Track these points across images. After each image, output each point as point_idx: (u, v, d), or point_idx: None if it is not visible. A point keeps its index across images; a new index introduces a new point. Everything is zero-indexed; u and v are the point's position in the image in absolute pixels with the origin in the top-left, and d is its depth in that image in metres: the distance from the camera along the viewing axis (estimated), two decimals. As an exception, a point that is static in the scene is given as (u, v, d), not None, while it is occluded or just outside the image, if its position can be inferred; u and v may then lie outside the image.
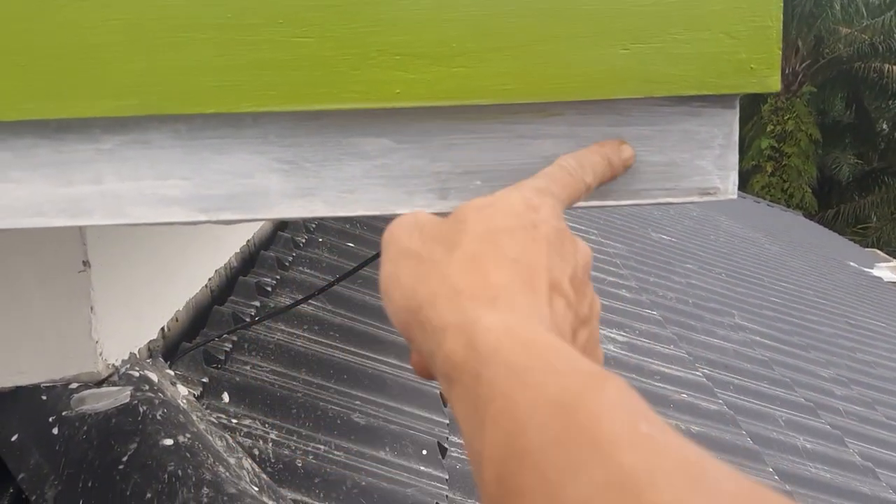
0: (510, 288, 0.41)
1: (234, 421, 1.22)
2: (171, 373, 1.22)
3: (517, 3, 0.53)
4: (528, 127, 0.57)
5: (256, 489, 1.03)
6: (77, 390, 1.05)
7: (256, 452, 1.16)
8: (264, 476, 1.10)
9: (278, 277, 1.75)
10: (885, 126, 20.20)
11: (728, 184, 0.59)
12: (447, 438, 1.45)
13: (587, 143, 0.58)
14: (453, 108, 0.55)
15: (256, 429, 1.22)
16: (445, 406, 1.55)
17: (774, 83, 0.54)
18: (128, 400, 1.04)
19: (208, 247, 1.56)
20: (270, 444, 1.20)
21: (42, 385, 1.05)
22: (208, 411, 1.20)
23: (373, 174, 0.58)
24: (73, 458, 0.97)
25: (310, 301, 1.58)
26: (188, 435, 1.01)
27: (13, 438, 1.01)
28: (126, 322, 1.14)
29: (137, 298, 1.19)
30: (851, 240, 13.92)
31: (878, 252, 11.87)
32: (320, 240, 2.09)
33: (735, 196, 0.59)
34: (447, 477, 1.33)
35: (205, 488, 0.93)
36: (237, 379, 1.31)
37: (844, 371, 3.73)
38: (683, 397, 2.33)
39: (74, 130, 0.55)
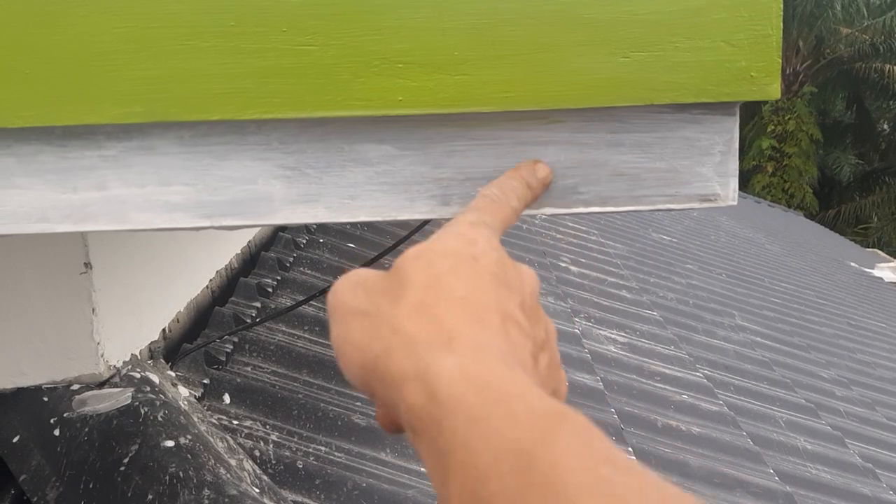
0: (463, 327, 0.41)
1: (235, 422, 1.22)
2: (173, 374, 1.23)
3: (518, 12, 0.53)
4: (529, 134, 0.57)
5: (257, 490, 1.03)
6: (78, 392, 1.05)
7: (257, 454, 1.17)
8: (265, 477, 1.10)
9: (279, 278, 1.75)
10: (885, 126, 20.19)
11: (728, 190, 0.59)
12: (448, 440, 1.45)
13: (589, 149, 0.58)
14: (455, 115, 0.56)
15: (257, 430, 1.22)
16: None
17: (774, 91, 0.54)
18: (129, 401, 1.04)
19: (209, 248, 1.56)
20: (271, 446, 1.20)
21: (43, 386, 1.05)
22: (209, 412, 1.20)
23: (375, 180, 0.58)
24: (74, 460, 0.97)
25: (310, 302, 1.58)
26: (189, 436, 1.02)
27: (15, 440, 1.01)
28: (127, 323, 1.14)
29: (138, 300, 1.19)
30: (852, 240, 13.92)
31: (879, 252, 11.87)
32: (321, 241, 2.09)
33: (735, 202, 0.59)
34: (448, 478, 1.33)
35: (206, 490, 0.93)
36: (238, 380, 1.31)
37: (845, 372, 3.73)
38: (684, 398, 2.33)
39: (79, 137, 0.55)
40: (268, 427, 1.25)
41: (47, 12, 0.52)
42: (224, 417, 1.22)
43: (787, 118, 17.68)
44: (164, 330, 1.29)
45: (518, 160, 0.58)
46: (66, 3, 0.52)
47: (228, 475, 0.98)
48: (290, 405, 1.31)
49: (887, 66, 16.99)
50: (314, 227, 2.15)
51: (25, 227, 0.56)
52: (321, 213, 0.58)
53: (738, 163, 0.59)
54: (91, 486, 0.94)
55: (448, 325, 0.41)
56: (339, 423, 1.33)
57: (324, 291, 1.32)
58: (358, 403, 1.41)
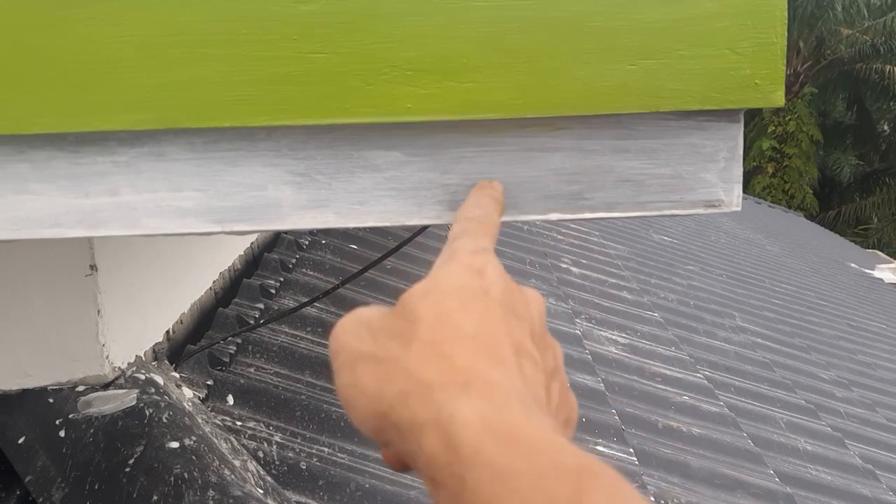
0: (478, 367, 0.39)
1: (239, 423, 1.22)
2: (177, 375, 1.23)
3: (526, 20, 0.54)
4: (536, 140, 0.58)
5: (261, 491, 1.04)
6: (84, 393, 1.06)
7: (261, 455, 1.17)
8: (269, 478, 1.11)
9: (282, 280, 1.76)
10: (886, 127, 20.19)
11: (732, 196, 0.60)
12: (450, 441, 1.45)
13: (595, 156, 0.59)
14: (463, 122, 0.56)
15: (261, 431, 1.23)
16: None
17: (779, 98, 0.55)
18: (134, 403, 1.05)
19: (213, 249, 1.57)
20: (275, 447, 1.21)
21: (49, 388, 1.06)
22: (213, 413, 1.21)
23: (384, 186, 0.58)
24: (79, 461, 0.97)
25: (314, 303, 1.58)
26: (194, 437, 1.02)
27: (20, 441, 1.02)
28: (132, 325, 1.15)
29: (143, 301, 1.20)
30: (852, 241, 13.92)
31: (879, 253, 11.87)
32: (323, 242, 2.09)
33: (739, 209, 0.60)
34: (450, 479, 1.33)
35: (210, 490, 0.94)
36: (241, 381, 1.32)
37: (845, 373, 3.73)
38: (685, 399, 2.33)
39: (91, 143, 0.56)
40: (271, 428, 1.25)
41: (60, 21, 0.52)
42: (228, 418, 1.22)
43: (787, 119, 17.68)
44: (167, 331, 1.29)
45: (525, 166, 0.59)
46: (79, 13, 0.52)
47: (233, 476, 0.99)
48: (293, 406, 1.32)
49: (888, 67, 16.99)
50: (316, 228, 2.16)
51: (38, 231, 0.56)
52: (330, 219, 0.58)
53: (742, 169, 0.60)
54: (96, 487, 0.94)
55: (462, 365, 0.39)
56: (342, 424, 1.33)
57: (328, 293, 1.33)
58: (361, 404, 1.41)
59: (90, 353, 1.05)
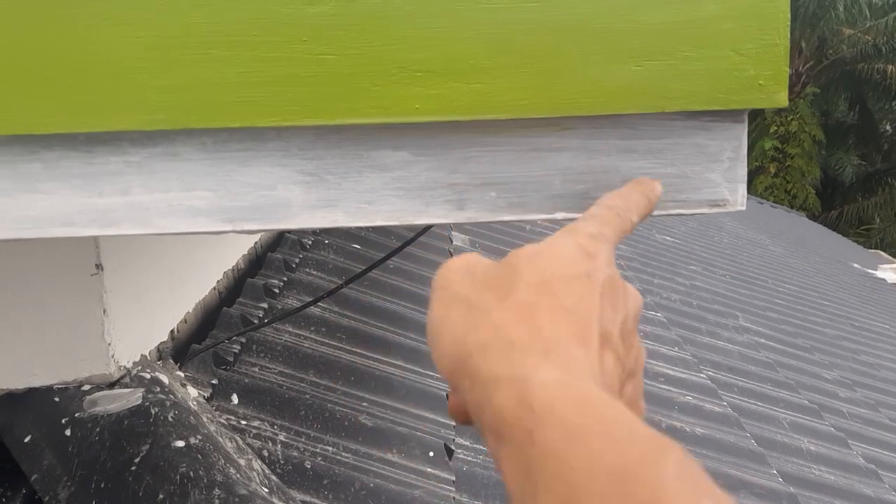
0: (563, 341, 0.40)
1: (244, 422, 1.23)
2: (182, 374, 1.24)
3: (533, 22, 0.54)
4: (543, 140, 0.58)
5: (266, 490, 1.04)
6: (89, 392, 1.06)
7: (266, 454, 1.18)
8: (274, 477, 1.11)
9: (285, 279, 1.76)
10: (888, 127, 20.18)
11: (737, 196, 0.60)
12: (454, 440, 1.46)
13: (601, 156, 0.59)
14: (471, 122, 0.57)
15: (265, 430, 1.23)
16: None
17: (782, 99, 0.55)
18: (140, 402, 1.05)
19: (217, 249, 1.57)
20: (279, 446, 1.21)
21: (55, 387, 1.06)
22: (218, 413, 1.21)
23: (392, 186, 0.59)
24: (85, 460, 0.98)
25: (317, 303, 1.59)
26: (199, 436, 1.02)
27: (26, 440, 1.02)
28: (137, 324, 1.15)
29: (148, 300, 1.20)
30: (855, 241, 13.92)
31: (882, 253, 11.86)
32: (326, 241, 2.10)
33: (744, 208, 0.60)
34: (454, 479, 1.34)
35: (216, 489, 0.94)
36: (246, 380, 1.32)
37: (848, 373, 3.74)
38: (688, 399, 2.34)
39: (104, 143, 0.56)
40: (276, 427, 1.26)
41: (72, 23, 0.53)
42: (232, 418, 1.23)
43: (789, 119, 17.67)
44: (172, 330, 1.30)
45: (532, 166, 0.59)
46: (91, 14, 0.53)
47: (238, 475, 0.99)
48: (297, 405, 1.32)
49: (890, 67, 16.98)
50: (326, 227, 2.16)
51: (51, 230, 0.57)
52: (339, 218, 0.59)
53: (746, 169, 0.60)
54: (102, 485, 0.95)
55: (548, 334, 0.40)
56: (346, 423, 1.34)
57: (332, 293, 1.33)
58: (364, 404, 1.42)
59: (96, 353, 1.06)
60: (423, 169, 0.59)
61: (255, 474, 1.07)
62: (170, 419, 1.03)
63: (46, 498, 0.95)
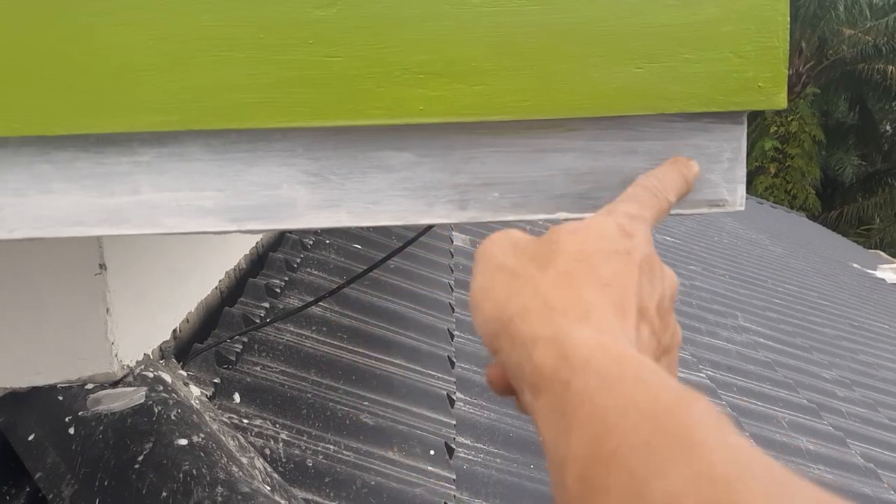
0: (601, 308, 0.42)
1: (246, 421, 1.23)
2: (184, 373, 1.24)
3: (535, 24, 0.55)
4: (545, 141, 0.59)
5: (269, 488, 1.05)
6: (93, 391, 1.07)
7: (268, 452, 1.18)
8: (276, 475, 1.12)
9: (287, 279, 1.77)
10: (888, 128, 20.18)
11: (736, 196, 0.61)
12: (454, 439, 1.47)
13: (603, 157, 0.60)
14: (474, 123, 0.57)
15: (267, 429, 1.24)
16: (452, 407, 1.57)
17: (781, 101, 0.56)
18: (143, 400, 1.06)
19: (218, 249, 1.58)
20: (281, 444, 1.22)
21: (58, 385, 1.07)
22: (220, 411, 1.22)
23: (396, 186, 0.60)
24: (89, 458, 0.98)
25: (318, 303, 1.59)
26: (202, 435, 1.03)
27: (30, 438, 1.03)
28: (140, 323, 1.16)
29: (151, 300, 1.21)
30: (855, 241, 13.92)
31: (881, 254, 11.86)
32: (327, 241, 2.10)
33: (742, 208, 0.61)
34: (454, 477, 1.35)
35: (219, 487, 0.94)
36: (248, 379, 1.33)
37: (847, 373, 3.74)
38: (687, 399, 2.34)
39: (114, 144, 0.57)
40: (277, 426, 1.26)
41: (83, 25, 0.54)
42: (235, 416, 1.23)
43: (789, 119, 17.67)
44: (174, 330, 1.30)
45: (534, 166, 0.60)
46: (102, 17, 0.54)
47: (241, 473, 1.00)
48: (299, 404, 1.33)
49: (890, 68, 16.99)
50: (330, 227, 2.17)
51: (62, 230, 0.58)
52: (344, 218, 0.60)
53: (745, 169, 0.61)
54: (106, 483, 0.95)
55: (587, 300, 0.42)
56: (348, 422, 1.34)
57: (333, 292, 1.34)
58: (365, 403, 1.43)
59: (99, 352, 1.06)
60: (426, 169, 0.59)
61: (257, 472, 1.08)
62: (173, 418, 1.04)
63: (50, 496, 0.96)
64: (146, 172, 0.58)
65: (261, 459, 1.14)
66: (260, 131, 0.57)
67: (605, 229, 0.47)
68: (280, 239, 1.98)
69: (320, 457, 1.23)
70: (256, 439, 1.20)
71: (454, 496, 1.30)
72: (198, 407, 1.14)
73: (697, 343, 3.03)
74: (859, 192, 18.91)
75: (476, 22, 0.55)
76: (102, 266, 1.03)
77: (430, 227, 0.84)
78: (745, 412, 2.51)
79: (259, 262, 1.81)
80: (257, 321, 1.50)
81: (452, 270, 2.36)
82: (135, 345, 1.14)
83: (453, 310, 2.07)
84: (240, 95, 0.55)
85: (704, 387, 2.53)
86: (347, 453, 1.27)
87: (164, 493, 0.93)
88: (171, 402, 1.07)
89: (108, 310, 1.05)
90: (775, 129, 17.86)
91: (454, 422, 1.52)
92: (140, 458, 0.97)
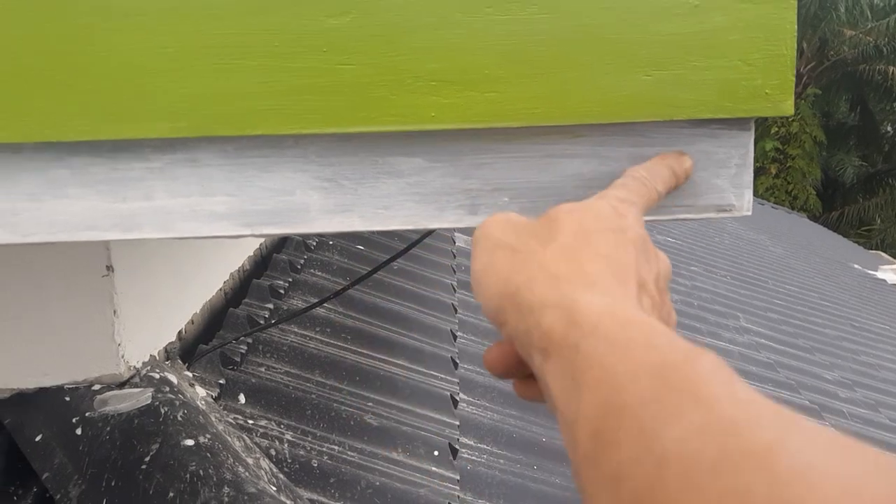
0: (604, 277, 0.43)
1: (251, 422, 1.24)
2: (190, 374, 1.25)
3: (545, 33, 0.56)
4: (555, 147, 0.60)
5: (275, 489, 1.06)
6: (100, 392, 1.07)
7: (273, 453, 1.19)
8: (281, 476, 1.13)
9: (290, 280, 1.77)
10: (889, 128, 20.17)
11: (743, 201, 0.62)
12: (458, 440, 1.47)
13: (611, 162, 0.61)
14: (484, 129, 0.58)
15: (272, 429, 1.24)
16: (456, 408, 1.58)
17: (788, 107, 0.57)
18: (149, 401, 1.06)
19: (222, 250, 1.58)
20: (286, 445, 1.22)
21: (66, 386, 1.07)
22: (225, 412, 1.23)
23: (407, 191, 0.60)
24: (96, 458, 0.99)
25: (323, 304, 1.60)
26: (208, 435, 1.04)
27: (37, 439, 1.03)
28: (146, 325, 1.16)
29: (156, 302, 1.21)
30: (855, 242, 13.91)
31: (882, 254, 11.86)
32: (330, 242, 2.11)
33: (749, 213, 0.61)
34: (458, 477, 1.35)
35: (226, 487, 0.95)
36: (253, 380, 1.33)
37: (849, 374, 3.74)
38: (689, 400, 2.34)
39: (128, 150, 0.58)
40: (282, 427, 1.27)
41: (99, 33, 0.54)
42: (240, 417, 1.24)
43: (790, 120, 17.65)
44: (179, 331, 1.31)
45: (543, 172, 0.61)
46: (117, 25, 0.54)
47: (247, 473, 1.01)
48: (303, 405, 1.33)
49: (891, 69, 16.98)
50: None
51: (76, 234, 0.58)
52: (356, 223, 0.60)
53: (752, 175, 0.61)
54: (113, 483, 0.96)
55: (590, 270, 0.43)
56: (352, 422, 1.35)
57: (338, 293, 1.35)
58: (369, 404, 1.43)
59: (106, 353, 1.07)
60: (437, 175, 0.60)
61: (263, 473, 1.08)
62: (179, 418, 1.05)
63: (58, 496, 0.96)
64: (160, 178, 0.58)
65: (266, 460, 1.14)
66: (272, 138, 0.58)
67: (599, 210, 0.49)
68: (283, 240, 1.99)
69: (325, 457, 1.23)
70: (262, 440, 1.20)
71: (458, 497, 1.30)
72: (203, 408, 1.15)
73: (699, 344, 3.03)
74: (860, 193, 18.90)
75: (488, 30, 0.56)
76: (109, 268, 1.03)
77: (429, 232, 0.85)
78: (746, 413, 2.52)
79: (263, 263, 1.81)
80: (262, 322, 1.50)
81: (455, 271, 2.37)
82: (141, 346, 1.14)
83: (456, 311, 2.08)
84: (252, 102, 0.55)
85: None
86: (352, 454, 1.28)
87: (171, 494, 0.94)
88: (177, 402, 1.08)
89: (115, 311, 1.05)
90: (776, 129, 17.86)
91: (458, 423, 1.52)
92: (147, 459, 0.98)
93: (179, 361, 1.25)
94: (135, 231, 0.59)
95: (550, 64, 0.56)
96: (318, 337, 1.58)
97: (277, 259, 1.83)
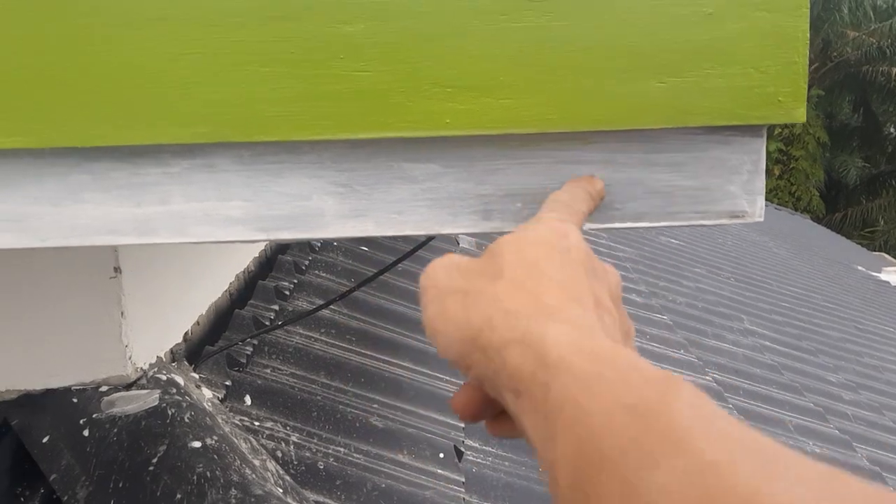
0: (563, 303, 0.42)
1: (257, 423, 1.24)
2: (196, 376, 1.25)
3: (561, 40, 0.56)
4: (568, 153, 0.60)
5: (281, 490, 1.06)
6: (107, 393, 1.07)
7: (279, 454, 1.19)
8: (287, 478, 1.13)
9: (295, 281, 1.78)
10: (892, 129, 20.13)
11: (755, 207, 0.62)
12: (463, 442, 1.47)
13: (624, 168, 0.61)
14: (498, 135, 0.58)
15: (278, 431, 1.25)
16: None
17: (800, 115, 0.57)
18: (156, 403, 1.06)
19: (227, 252, 1.59)
20: (292, 447, 1.22)
21: (73, 388, 1.08)
22: (232, 414, 1.23)
23: (420, 197, 0.61)
24: (103, 460, 0.99)
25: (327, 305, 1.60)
26: (215, 437, 1.04)
27: (45, 440, 1.04)
28: (153, 326, 1.16)
29: (163, 303, 1.22)
30: (859, 243, 13.89)
31: (886, 256, 11.85)
32: (335, 244, 2.11)
33: (762, 219, 0.61)
34: (464, 480, 1.35)
35: (233, 489, 0.95)
36: (259, 382, 1.33)
37: (853, 376, 3.74)
38: (693, 402, 2.34)
39: (146, 155, 0.58)
40: (288, 428, 1.27)
41: (121, 41, 0.55)
42: (246, 419, 1.24)
43: (793, 121, 17.60)
44: (185, 332, 1.31)
45: (557, 178, 0.61)
46: (140, 33, 0.55)
47: (254, 475, 1.01)
48: (309, 407, 1.34)
49: (894, 70, 16.97)
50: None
51: (94, 238, 0.59)
52: (370, 228, 0.61)
53: (764, 181, 0.62)
54: (120, 485, 0.96)
55: (546, 301, 0.42)
56: (358, 424, 1.35)
57: (344, 295, 1.35)
58: (375, 406, 1.43)
59: (113, 354, 1.07)
60: (451, 180, 0.60)
61: (269, 475, 1.08)
62: (186, 420, 1.05)
63: (65, 497, 0.97)
64: (176, 183, 0.59)
65: (273, 462, 1.14)
66: (289, 143, 0.58)
67: (540, 234, 0.48)
68: (277, 242, 1.99)
69: (331, 459, 1.23)
70: (268, 441, 1.21)
71: (463, 499, 1.30)
72: (210, 409, 1.15)
73: (703, 346, 3.04)
74: (863, 195, 18.88)
75: (503, 37, 0.56)
76: (117, 269, 1.04)
77: (430, 239, 0.85)
78: (751, 415, 2.52)
79: (268, 264, 1.82)
80: (267, 323, 1.50)
81: (459, 273, 2.36)
82: (148, 347, 1.15)
83: (461, 312, 2.07)
84: (269, 109, 0.56)
85: (711, 390, 2.53)
86: (358, 456, 1.28)
87: (179, 496, 0.94)
88: (184, 404, 1.08)
89: (122, 313, 1.05)
90: (779, 131, 17.83)
91: (463, 425, 1.52)
92: (154, 461, 0.98)
93: (186, 363, 1.26)
94: (151, 235, 0.59)
95: (564, 71, 0.56)
96: (322, 338, 1.58)
97: (282, 260, 1.83)
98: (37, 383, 1.08)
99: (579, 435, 0.34)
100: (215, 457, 1.00)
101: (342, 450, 1.28)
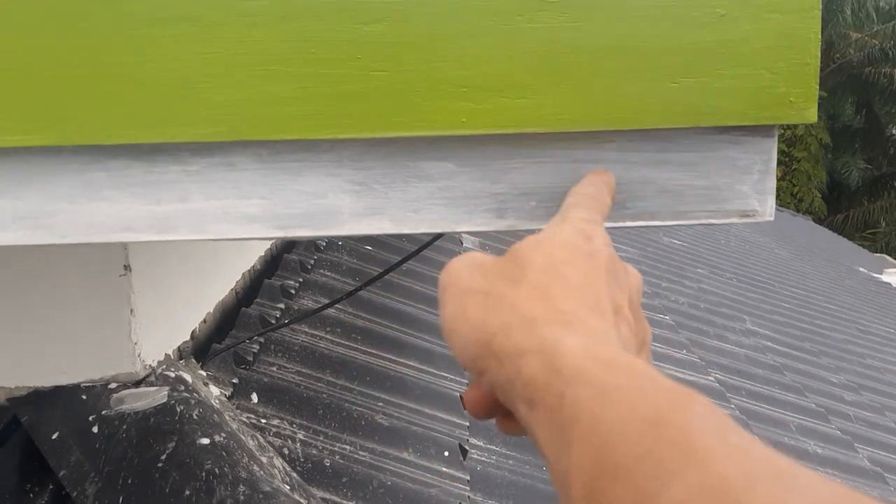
0: (580, 313, 0.42)
1: (264, 421, 1.25)
2: (203, 373, 1.26)
3: (576, 40, 0.57)
4: (582, 152, 0.61)
5: (288, 487, 1.06)
6: (116, 390, 1.08)
7: (286, 452, 1.20)
8: (294, 475, 1.13)
9: (301, 280, 1.78)
10: (894, 131, 20.12)
11: (766, 207, 0.62)
12: (468, 440, 1.48)
13: (638, 168, 0.61)
14: (513, 135, 0.59)
15: (285, 429, 1.25)
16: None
17: (812, 115, 0.58)
18: (165, 400, 1.07)
19: (235, 251, 1.59)
20: (299, 444, 1.23)
21: (82, 385, 1.08)
22: (239, 411, 1.23)
23: (436, 195, 0.61)
24: (112, 456, 1.00)
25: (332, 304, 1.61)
26: (223, 434, 1.04)
27: (54, 436, 1.04)
28: (162, 324, 1.17)
29: (172, 301, 1.22)
30: (860, 245, 13.88)
31: (887, 258, 11.83)
32: (340, 243, 2.12)
33: (772, 218, 0.62)
34: (468, 478, 1.36)
35: (241, 486, 0.96)
36: (265, 380, 1.34)
37: (854, 377, 3.75)
38: (696, 402, 2.35)
39: (165, 153, 0.59)
40: (294, 426, 1.28)
41: (141, 40, 0.55)
42: (253, 416, 1.25)
43: (795, 122, 17.59)
44: (192, 330, 1.32)
45: (571, 177, 0.61)
46: (160, 32, 0.55)
47: (262, 472, 1.01)
48: (315, 405, 1.34)
49: (896, 71, 16.96)
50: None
51: (111, 236, 0.59)
52: (386, 226, 0.61)
53: (775, 181, 0.62)
54: (129, 481, 0.97)
55: (565, 309, 0.42)
56: (363, 422, 1.36)
57: (350, 294, 1.35)
58: (380, 404, 1.44)
59: (123, 352, 1.08)
60: (466, 179, 0.61)
61: (276, 472, 1.09)
62: (194, 417, 1.05)
63: (74, 493, 0.97)
64: (195, 181, 0.59)
65: (279, 459, 1.15)
66: (308, 142, 0.59)
67: (564, 237, 0.47)
68: (293, 240, 2.00)
69: (337, 457, 1.24)
70: (275, 439, 1.21)
71: (468, 497, 1.31)
72: (218, 407, 1.16)
73: (706, 346, 3.04)
74: (865, 196, 18.86)
75: (519, 38, 0.56)
76: (127, 267, 1.04)
77: (437, 237, 0.86)
78: (753, 416, 2.52)
79: (273, 263, 1.82)
80: (273, 322, 1.51)
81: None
82: (156, 345, 1.15)
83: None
84: (288, 108, 0.56)
85: (713, 390, 2.54)
86: (363, 454, 1.29)
87: (188, 492, 0.94)
88: (192, 401, 1.09)
89: (132, 310, 1.06)
90: (782, 132, 17.81)
91: (468, 423, 1.53)
92: (163, 457, 0.99)
93: (193, 360, 1.26)
94: (170, 233, 0.60)
95: (579, 71, 0.57)
96: (328, 337, 1.59)
97: (288, 259, 1.84)
98: (46, 380, 1.08)
99: (595, 444, 0.34)
100: (223, 453, 1.01)
101: (348, 447, 1.28)
